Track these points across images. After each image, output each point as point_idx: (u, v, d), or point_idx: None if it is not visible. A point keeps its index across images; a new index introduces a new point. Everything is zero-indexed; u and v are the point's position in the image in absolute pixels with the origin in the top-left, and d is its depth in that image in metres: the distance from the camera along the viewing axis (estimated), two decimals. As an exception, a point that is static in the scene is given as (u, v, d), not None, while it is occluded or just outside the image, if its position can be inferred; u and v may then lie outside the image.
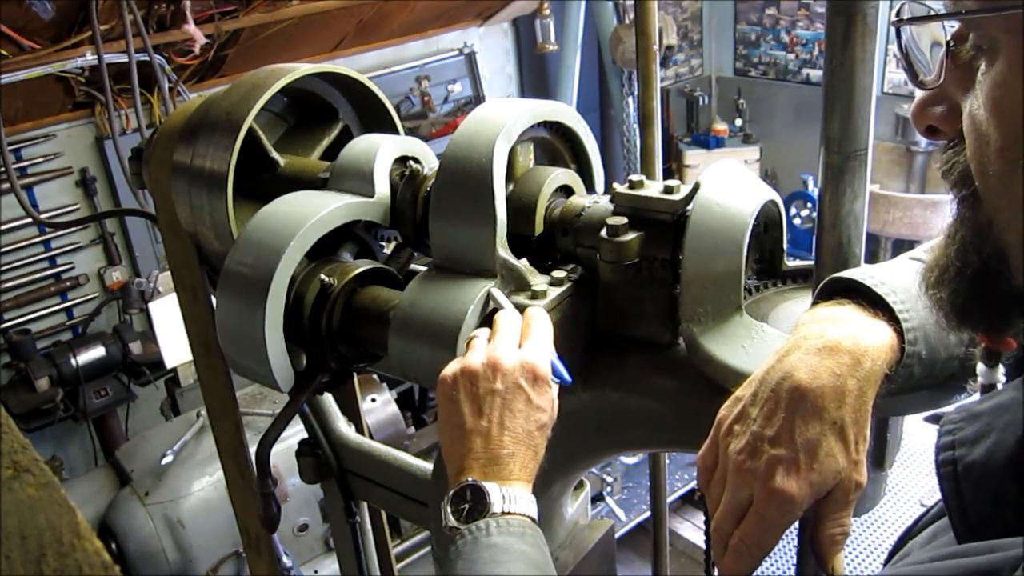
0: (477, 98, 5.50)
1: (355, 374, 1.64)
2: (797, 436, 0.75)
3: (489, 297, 1.07)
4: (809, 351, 0.79)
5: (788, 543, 0.83)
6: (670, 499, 4.30)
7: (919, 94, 0.72)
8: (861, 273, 0.87)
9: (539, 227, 1.15)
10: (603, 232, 1.04)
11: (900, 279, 0.86)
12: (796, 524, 0.82)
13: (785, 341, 0.83)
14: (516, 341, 0.98)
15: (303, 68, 1.38)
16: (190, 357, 1.64)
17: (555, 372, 0.97)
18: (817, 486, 0.76)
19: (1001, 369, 0.77)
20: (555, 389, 0.97)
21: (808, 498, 0.76)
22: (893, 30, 0.71)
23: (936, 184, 6.04)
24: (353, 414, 1.74)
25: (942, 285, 0.72)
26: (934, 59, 0.69)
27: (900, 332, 0.82)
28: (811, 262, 0.98)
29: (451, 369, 0.97)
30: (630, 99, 5.55)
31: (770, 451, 0.76)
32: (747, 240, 0.99)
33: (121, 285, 4.28)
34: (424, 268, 1.17)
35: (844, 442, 0.76)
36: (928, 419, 0.84)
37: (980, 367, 0.78)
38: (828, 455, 0.75)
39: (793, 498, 0.75)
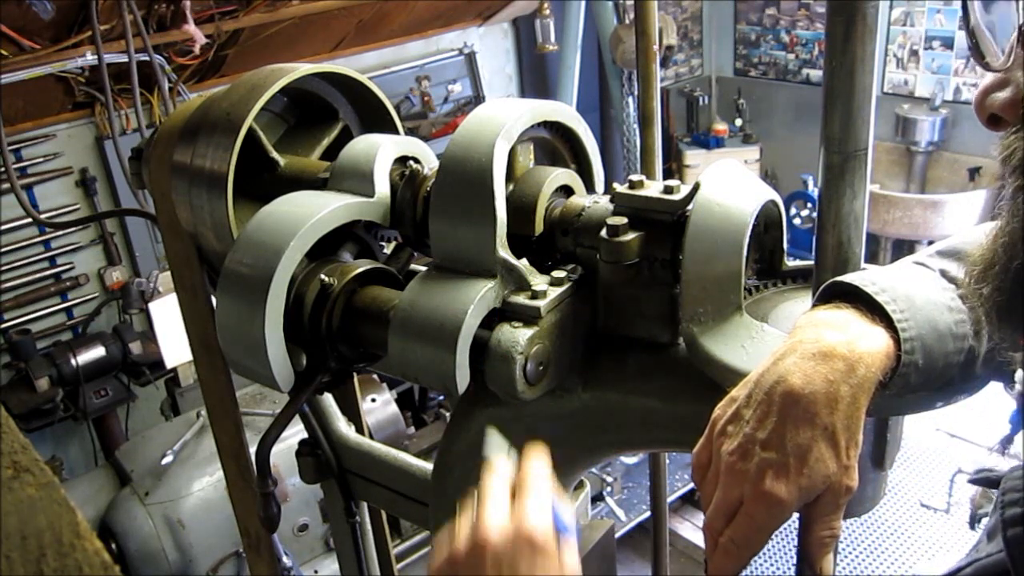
0: (477, 98, 5.50)
1: (355, 374, 1.64)
2: (788, 441, 0.76)
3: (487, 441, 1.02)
4: (804, 355, 0.79)
5: (788, 542, 0.83)
6: (670, 499, 4.30)
7: (983, 81, 0.71)
8: (861, 278, 0.86)
9: (539, 227, 1.15)
10: (603, 232, 1.04)
11: (901, 286, 0.85)
12: (797, 525, 0.82)
13: (781, 344, 0.83)
14: (504, 507, 0.84)
15: (303, 68, 1.38)
16: (190, 357, 1.64)
17: (556, 525, 0.83)
18: (806, 490, 0.76)
19: None
20: (573, 540, 0.84)
21: (797, 502, 0.76)
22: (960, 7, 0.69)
23: (936, 184, 6.05)
24: (353, 414, 1.74)
25: (986, 280, 0.71)
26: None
27: (898, 339, 0.82)
28: (811, 262, 0.98)
29: (439, 561, 0.84)
30: (630, 99, 5.55)
31: (761, 454, 0.76)
32: (747, 240, 0.99)
33: (121, 285, 4.28)
34: (424, 268, 1.17)
35: (835, 448, 0.76)
36: (975, 481, 0.84)
37: (1020, 374, 0.77)
38: (818, 460, 0.76)
39: (782, 501, 0.75)
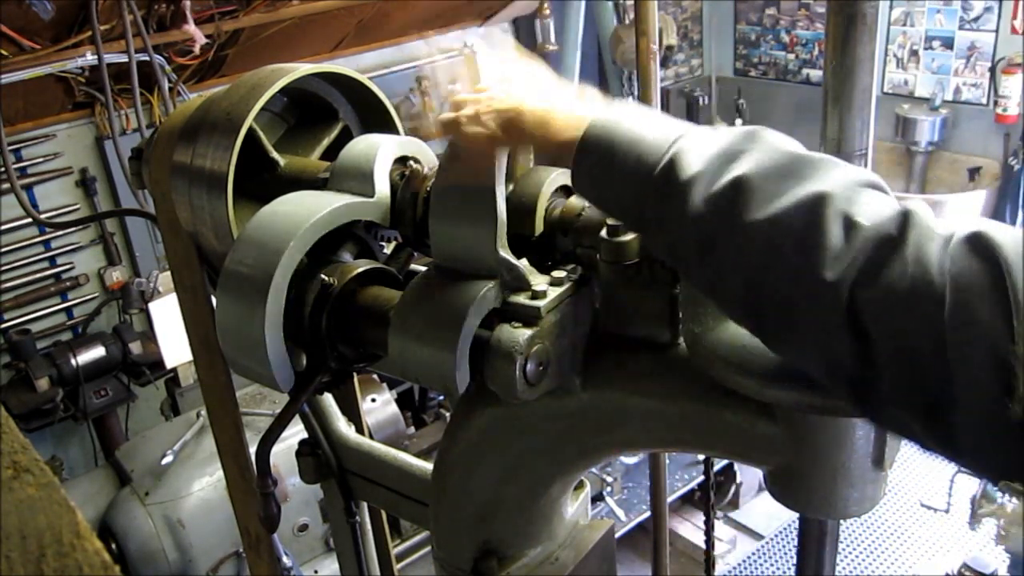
0: (477, 98, 5.49)
1: (355, 374, 1.64)
2: None
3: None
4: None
5: (789, 543, 0.83)
6: (670, 499, 4.30)
7: None
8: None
9: (539, 227, 1.15)
10: (603, 232, 1.04)
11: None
12: (796, 522, 0.82)
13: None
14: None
15: (303, 68, 1.38)
16: (190, 357, 1.64)
17: None
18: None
19: None
20: None
21: None
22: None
23: (936, 184, 6.05)
24: (353, 414, 1.74)
25: None
26: None
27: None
28: (811, 262, 0.98)
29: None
30: (630, 99, 5.55)
31: None
32: (747, 240, 0.99)
33: (121, 285, 4.28)
34: (424, 268, 1.17)
35: None
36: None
37: None
38: None
39: None
